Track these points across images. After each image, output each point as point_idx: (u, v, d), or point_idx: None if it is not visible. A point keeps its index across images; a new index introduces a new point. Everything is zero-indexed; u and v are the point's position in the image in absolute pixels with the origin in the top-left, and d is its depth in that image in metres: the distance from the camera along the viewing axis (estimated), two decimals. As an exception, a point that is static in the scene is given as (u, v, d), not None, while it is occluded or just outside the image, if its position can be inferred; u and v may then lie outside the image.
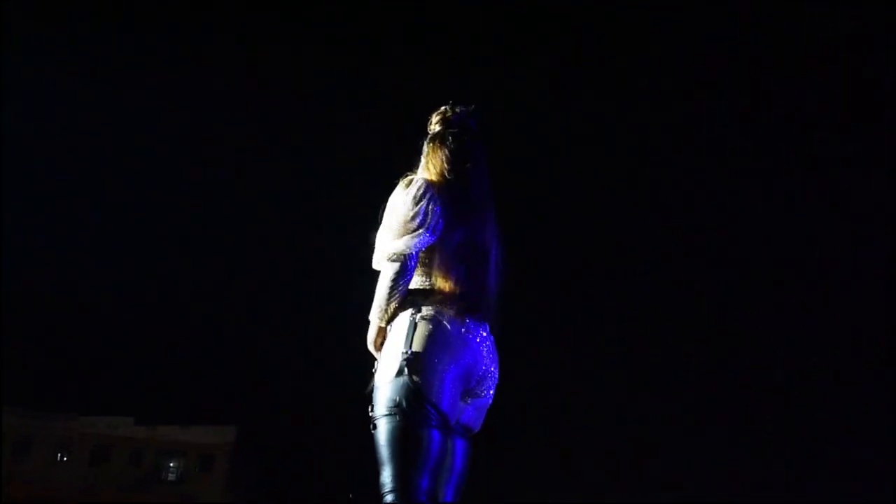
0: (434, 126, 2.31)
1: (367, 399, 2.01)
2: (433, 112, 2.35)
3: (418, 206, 2.07)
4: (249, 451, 30.15)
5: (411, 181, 2.14)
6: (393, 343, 2.02)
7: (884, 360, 14.97)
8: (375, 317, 2.10)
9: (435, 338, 1.99)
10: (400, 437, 1.90)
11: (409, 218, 2.06)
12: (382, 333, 2.10)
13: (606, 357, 20.48)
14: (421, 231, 2.05)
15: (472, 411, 2.12)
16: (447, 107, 2.32)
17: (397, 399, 1.90)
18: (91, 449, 29.88)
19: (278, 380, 28.17)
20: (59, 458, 30.05)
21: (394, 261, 2.06)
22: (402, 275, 2.06)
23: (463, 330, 2.04)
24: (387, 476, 1.91)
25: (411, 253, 2.05)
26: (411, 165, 2.25)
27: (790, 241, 17.81)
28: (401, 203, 2.10)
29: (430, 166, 2.22)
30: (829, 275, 17.10)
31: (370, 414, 1.95)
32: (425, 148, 2.26)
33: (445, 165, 2.18)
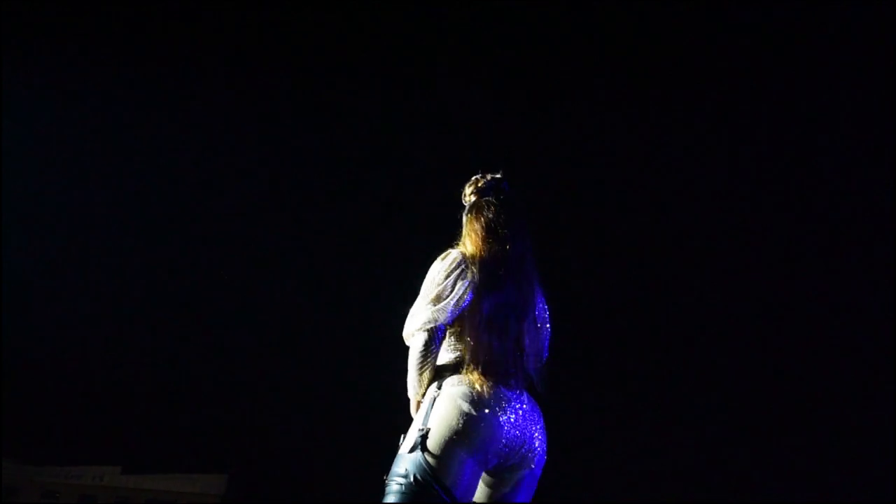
0: (469, 197, 2.33)
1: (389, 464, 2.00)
2: (465, 183, 2.36)
3: (448, 280, 2.08)
4: (240, 500, 29.48)
5: (447, 255, 2.17)
6: (417, 416, 2.02)
7: (884, 360, 14.98)
8: (411, 392, 2.10)
9: (451, 418, 1.94)
10: None
11: (438, 292, 2.07)
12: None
13: (606, 357, 20.49)
14: (447, 304, 2.05)
15: (523, 492, 2.07)
16: (478, 176, 2.35)
17: (407, 473, 1.90)
18: (77, 499, 28.96)
19: (270, 429, 27.74)
20: (45, 509, 29.26)
21: (419, 333, 2.06)
22: (428, 347, 2.05)
23: (484, 406, 1.97)
24: None
25: (436, 326, 2.05)
26: (411, 167, 2.25)
27: (790, 241, 17.84)
28: (433, 277, 2.12)
29: (467, 238, 2.24)
30: (830, 275, 17.13)
31: (384, 478, 1.95)
32: (464, 219, 2.29)
33: (483, 234, 2.20)
